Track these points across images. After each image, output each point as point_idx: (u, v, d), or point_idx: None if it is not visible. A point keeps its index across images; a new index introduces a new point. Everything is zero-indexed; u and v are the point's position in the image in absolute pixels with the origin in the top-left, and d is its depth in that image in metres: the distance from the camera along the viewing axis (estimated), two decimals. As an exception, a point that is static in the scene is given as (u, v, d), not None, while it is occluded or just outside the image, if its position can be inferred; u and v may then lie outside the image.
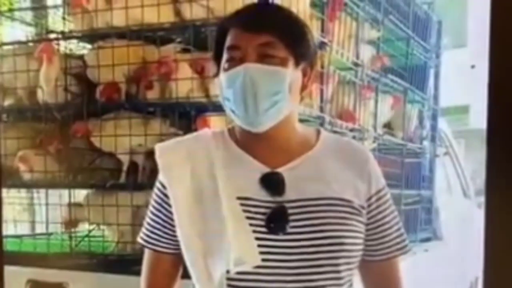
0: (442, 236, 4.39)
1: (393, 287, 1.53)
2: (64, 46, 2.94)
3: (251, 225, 1.35)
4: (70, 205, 2.81)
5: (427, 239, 4.20)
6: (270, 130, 1.38)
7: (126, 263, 2.48)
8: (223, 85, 1.38)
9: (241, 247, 1.32)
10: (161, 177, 1.46)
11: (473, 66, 11.82)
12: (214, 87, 1.79)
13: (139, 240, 1.52)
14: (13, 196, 3.14)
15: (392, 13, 3.55)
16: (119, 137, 2.65)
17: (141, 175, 2.71)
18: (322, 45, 2.76)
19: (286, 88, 1.35)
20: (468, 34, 13.17)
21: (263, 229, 1.34)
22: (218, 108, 2.02)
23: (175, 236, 1.42)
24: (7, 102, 2.99)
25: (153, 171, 2.31)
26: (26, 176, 2.86)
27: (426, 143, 4.26)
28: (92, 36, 2.85)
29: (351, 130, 3.11)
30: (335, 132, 2.79)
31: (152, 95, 2.64)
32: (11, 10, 3.71)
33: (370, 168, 1.44)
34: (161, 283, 1.50)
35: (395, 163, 3.64)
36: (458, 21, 11.82)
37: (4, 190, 2.68)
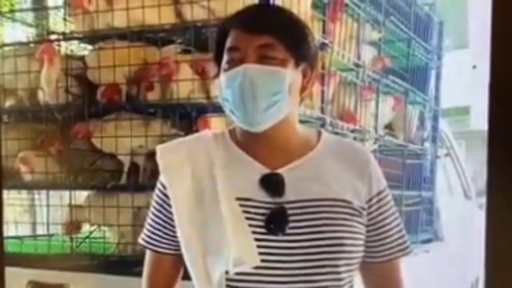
0: (443, 237, 4.39)
1: (394, 289, 1.53)
2: (65, 47, 2.94)
3: (250, 225, 1.35)
4: (71, 206, 2.81)
5: (428, 240, 4.20)
6: (270, 131, 1.38)
7: (127, 264, 2.48)
8: (223, 85, 1.38)
9: (240, 248, 1.33)
10: (161, 177, 1.46)
11: (474, 67, 11.83)
12: (215, 88, 1.79)
13: (140, 241, 1.52)
14: (14, 197, 3.14)
15: (393, 14, 3.55)
16: (120, 138, 2.65)
17: (142, 176, 2.71)
18: (323, 46, 2.76)
19: (286, 88, 1.35)
20: (470, 35, 13.16)
21: (263, 230, 1.35)
22: (219, 109, 2.02)
23: (175, 236, 1.43)
24: (8, 103, 2.99)
25: (154, 172, 2.31)
26: (27, 177, 2.86)
27: (427, 144, 4.26)
28: (93, 37, 2.85)
29: (352, 131, 3.10)
30: (336, 133, 2.79)
31: (153, 96, 2.64)
32: (12, 11, 3.70)
33: (371, 169, 1.44)
34: (162, 284, 1.51)
35: (396, 164, 3.64)
36: (460, 22, 11.82)
37: (5, 192, 2.68)
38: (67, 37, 2.93)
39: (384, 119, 3.66)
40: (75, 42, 3.02)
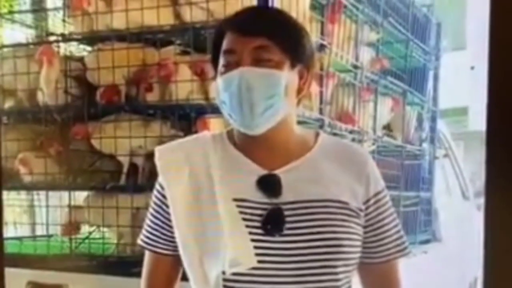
0: (441, 237, 4.39)
1: (392, 289, 1.53)
2: (64, 48, 2.94)
3: (247, 226, 1.35)
4: (70, 207, 2.81)
5: (426, 241, 4.20)
6: (267, 132, 1.39)
7: (126, 265, 2.48)
8: (220, 89, 1.39)
9: (237, 249, 1.33)
10: (160, 178, 1.47)
11: (472, 68, 11.83)
12: (213, 89, 1.80)
13: (139, 242, 1.53)
14: (13, 198, 3.13)
15: (392, 16, 3.56)
16: (119, 139, 2.66)
17: (141, 177, 2.71)
18: (321, 47, 2.76)
19: (282, 90, 1.36)
20: (467, 36, 13.17)
21: (259, 231, 1.35)
22: (218, 110, 2.00)
23: (173, 237, 1.43)
24: (8, 104, 2.99)
25: (153, 173, 2.31)
26: (26, 178, 2.86)
27: (425, 145, 4.26)
28: (92, 38, 2.85)
29: (351, 132, 3.11)
30: (334, 134, 2.79)
31: (152, 97, 2.64)
32: (11, 12, 3.71)
33: (369, 170, 1.45)
34: (160, 284, 1.51)
35: (395, 165, 3.65)
36: (457, 23, 11.82)
37: (4, 192, 2.68)
38: (66, 38, 2.93)
39: (383, 120, 3.66)
40: (74, 43, 3.02)
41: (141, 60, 2.70)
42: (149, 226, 1.50)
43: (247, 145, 1.43)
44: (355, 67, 3.18)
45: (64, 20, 2.98)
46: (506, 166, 0.68)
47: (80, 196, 2.89)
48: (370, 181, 1.43)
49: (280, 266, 1.34)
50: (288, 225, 1.35)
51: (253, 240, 1.34)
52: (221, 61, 1.39)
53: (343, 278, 1.38)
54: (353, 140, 3.03)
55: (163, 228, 1.46)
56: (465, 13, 13.13)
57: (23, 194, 3.25)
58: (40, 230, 3.12)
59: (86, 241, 2.85)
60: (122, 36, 2.67)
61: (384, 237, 1.46)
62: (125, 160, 2.71)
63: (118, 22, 2.67)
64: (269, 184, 1.38)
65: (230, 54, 1.37)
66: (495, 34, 0.68)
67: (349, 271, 1.41)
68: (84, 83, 2.83)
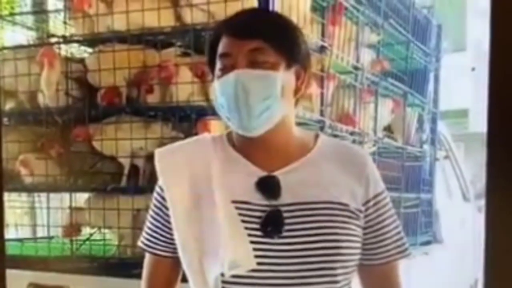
0: (442, 239, 4.40)
1: (393, 291, 1.53)
2: (65, 50, 2.94)
3: (246, 228, 1.35)
4: (71, 208, 2.81)
5: (427, 242, 4.20)
6: (266, 134, 1.39)
7: (126, 267, 2.48)
8: (217, 92, 1.39)
9: (236, 251, 1.33)
10: (160, 181, 1.47)
11: (473, 69, 11.84)
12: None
13: (139, 244, 1.53)
14: (14, 200, 3.14)
15: (392, 17, 3.56)
16: (120, 141, 2.66)
17: (142, 179, 2.71)
18: (322, 49, 2.77)
19: (278, 91, 1.36)
20: (468, 37, 13.17)
21: (258, 233, 1.35)
22: (218, 112, 2.03)
23: (173, 239, 1.43)
24: (9, 105, 2.99)
25: (154, 175, 2.31)
26: (27, 180, 2.86)
27: (426, 146, 4.27)
28: (93, 40, 2.86)
29: (351, 133, 3.11)
30: (335, 135, 2.80)
31: (153, 99, 2.64)
32: (12, 14, 3.71)
33: (368, 172, 1.44)
34: (160, 286, 1.51)
35: (395, 167, 3.65)
36: (458, 25, 11.82)
37: (5, 194, 2.68)
38: (67, 40, 2.93)
39: (383, 122, 3.67)
40: (75, 45, 3.01)
41: (141, 62, 2.70)
42: (149, 228, 1.50)
43: (246, 147, 1.43)
44: (356, 68, 3.18)
45: (65, 22, 2.99)
46: (506, 168, 0.68)
47: (81, 198, 2.89)
48: (370, 182, 1.43)
49: (279, 268, 1.33)
50: (287, 227, 1.35)
51: (252, 242, 1.34)
52: (218, 64, 1.39)
53: (342, 280, 1.38)
54: (353, 141, 3.04)
55: (163, 230, 1.47)
56: (465, 14, 13.14)
57: (24, 196, 3.26)
58: (41, 232, 3.12)
59: (87, 242, 2.85)
60: (122, 38, 2.67)
61: (384, 239, 1.46)
62: (126, 162, 2.72)
63: (119, 23, 2.68)
64: (268, 186, 1.38)
65: (226, 57, 1.38)
66: (496, 35, 0.68)
67: (348, 273, 1.40)
68: (85, 84, 2.83)
